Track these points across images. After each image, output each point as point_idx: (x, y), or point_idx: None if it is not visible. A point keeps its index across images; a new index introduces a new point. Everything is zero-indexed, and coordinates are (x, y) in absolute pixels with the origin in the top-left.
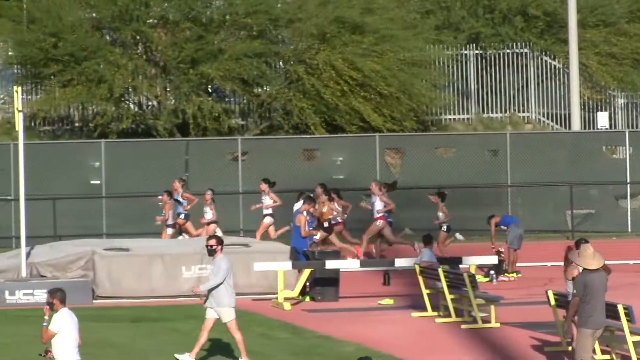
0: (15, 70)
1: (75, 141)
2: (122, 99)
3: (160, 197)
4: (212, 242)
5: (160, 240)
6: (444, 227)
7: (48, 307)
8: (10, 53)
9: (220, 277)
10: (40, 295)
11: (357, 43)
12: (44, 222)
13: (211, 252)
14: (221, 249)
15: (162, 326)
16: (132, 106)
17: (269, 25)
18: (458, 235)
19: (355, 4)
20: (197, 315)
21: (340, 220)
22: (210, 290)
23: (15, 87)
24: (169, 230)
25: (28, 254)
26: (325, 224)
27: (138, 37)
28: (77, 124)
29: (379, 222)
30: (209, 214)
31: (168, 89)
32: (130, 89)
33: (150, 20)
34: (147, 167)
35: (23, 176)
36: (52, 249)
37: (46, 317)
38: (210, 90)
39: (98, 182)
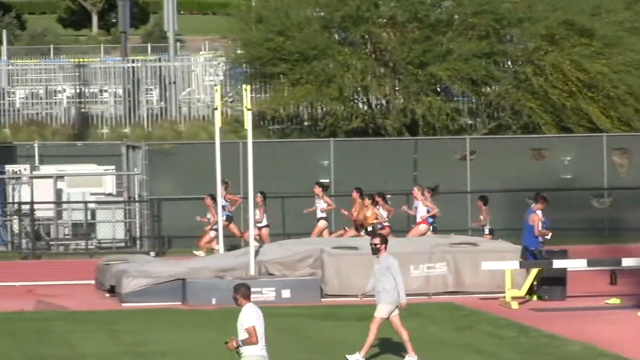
0: (244, 69)
1: (304, 140)
2: (351, 98)
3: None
4: (377, 240)
5: (390, 239)
6: (486, 230)
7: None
8: (238, 52)
9: (399, 274)
10: (269, 294)
11: (585, 45)
12: (272, 221)
13: (376, 251)
14: (385, 248)
15: (388, 324)
16: (361, 105)
17: (496, 25)
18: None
19: (585, 8)
20: (421, 314)
21: (386, 225)
22: (378, 289)
23: (244, 86)
24: (212, 233)
25: (257, 253)
26: (369, 228)
27: (367, 37)
28: (305, 123)
29: (422, 227)
30: (257, 216)
31: (397, 89)
32: (359, 89)
33: (379, 20)
34: (375, 166)
35: (251, 175)
36: (280, 247)
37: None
38: (439, 90)
39: (327, 180)
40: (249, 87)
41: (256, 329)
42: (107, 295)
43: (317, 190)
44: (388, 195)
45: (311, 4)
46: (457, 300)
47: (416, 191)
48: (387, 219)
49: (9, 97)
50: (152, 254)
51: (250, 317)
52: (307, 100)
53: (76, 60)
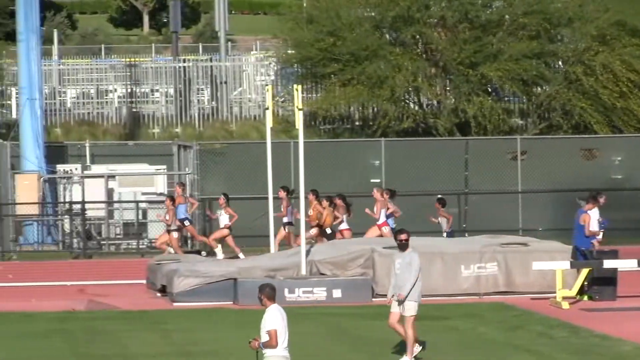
0: (295, 69)
1: (355, 139)
2: (402, 98)
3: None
4: (404, 236)
5: (439, 239)
6: (445, 233)
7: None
8: (289, 52)
9: (417, 271)
10: (320, 293)
11: (636, 46)
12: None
13: (403, 247)
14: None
15: (441, 325)
16: (412, 105)
17: (546, 25)
18: None
19: (637, 9)
20: (472, 314)
21: (346, 228)
22: (400, 284)
23: (295, 86)
24: (175, 234)
25: (308, 252)
26: (328, 230)
27: (418, 37)
28: (357, 123)
29: (385, 228)
30: (224, 217)
31: (448, 89)
32: (410, 89)
33: (430, 21)
34: (426, 166)
35: (303, 174)
36: (332, 247)
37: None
38: (489, 90)
39: (378, 180)
40: (300, 87)
41: (277, 332)
42: (158, 294)
43: (282, 194)
44: (439, 196)
45: (362, 4)
46: (508, 300)
47: (375, 192)
48: (343, 221)
49: (60, 96)
50: (204, 253)
51: (273, 320)
52: (358, 100)
53: (127, 59)
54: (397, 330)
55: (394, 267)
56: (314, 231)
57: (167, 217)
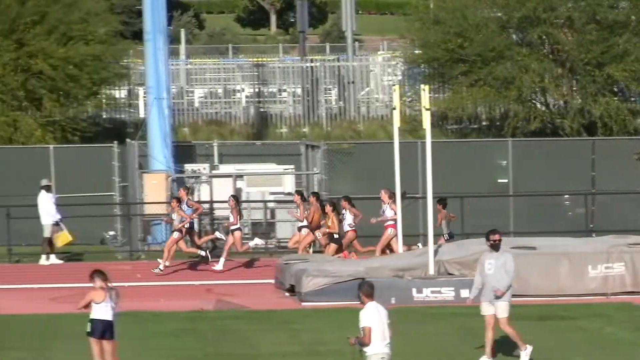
0: (422, 69)
1: (482, 140)
2: (529, 99)
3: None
4: (497, 236)
5: (566, 240)
6: (446, 235)
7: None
8: (416, 52)
9: (512, 272)
10: (448, 293)
11: None
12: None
13: (496, 247)
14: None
15: (567, 325)
16: (539, 106)
17: None
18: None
19: None
20: (600, 314)
21: (352, 229)
22: (493, 284)
23: (422, 86)
24: (175, 235)
25: (436, 252)
26: (336, 236)
27: (544, 38)
28: (484, 123)
29: (390, 230)
30: (230, 218)
31: (574, 89)
32: (537, 90)
33: (556, 21)
34: (553, 166)
35: (430, 174)
36: (459, 247)
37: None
38: (615, 91)
39: (505, 180)
40: (427, 87)
41: (372, 330)
42: (287, 294)
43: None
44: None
45: (488, 4)
46: (636, 301)
47: (383, 194)
48: (354, 223)
49: (188, 96)
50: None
51: (367, 317)
52: (486, 101)
53: (255, 59)
54: (507, 331)
55: (482, 267)
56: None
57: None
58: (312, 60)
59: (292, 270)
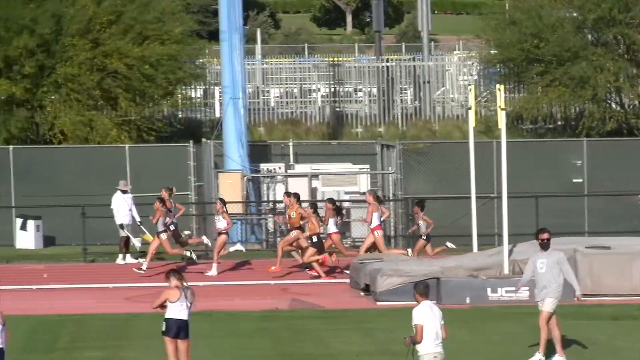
0: (498, 69)
1: (557, 140)
2: (604, 99)
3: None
4: (546, 235)
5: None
6: (424, 236)
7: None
8: (492, 52)
9: (565, 269)
10: (522, 293)
11: None
12: (525, 220)
13: (545, 246)
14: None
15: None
16: (614, 106)
17: None
18: (449, 244)
19: None
20: None
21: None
22: (544, 284)
23: (497, 86)
24: (164, 236)
25: (510, 252)
26: (314, 238)
27: (620, 38)
28: (559, 123)
29: (377, 233)
30: (222, 222)
31: None
32: (612, 90)
33: (632, 22)
34: (628, 166)
35: (505, 174)
36: (533, 246)
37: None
38: None
39: (580, 180)
40: (502, 87)
41: (424, 328)
42: (362, 293)
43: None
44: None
45: (564, 4)
46: None
47: (368, 196)
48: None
49: (264, 95)
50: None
51: (419, 315)
52: (561, 101)
53: (330, 59)
54: (540, 327)
55: (535, 266)
56: (294, 233)
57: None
58: (387, 60)
59: (367, 270)
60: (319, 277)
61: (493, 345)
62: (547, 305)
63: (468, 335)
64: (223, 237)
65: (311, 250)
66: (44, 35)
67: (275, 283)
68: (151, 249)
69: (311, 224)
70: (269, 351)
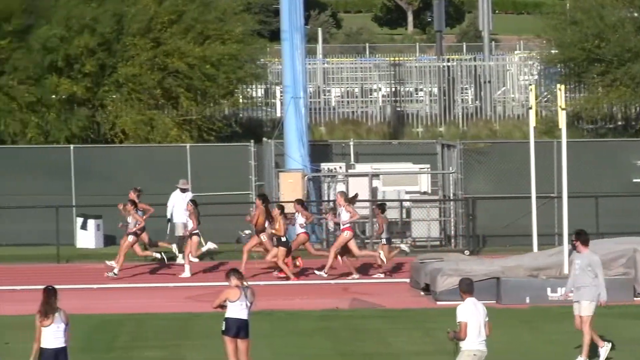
0: (558, 69)
1: (618, 139)
2: None
3: None
4: (574, 238)
5: None
6: (384, 240)
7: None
8: (553, 52)
9: (596, 272)
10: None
11: None
12: (585, 220)
13: (580, 248)
14: (583, 244)
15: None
16: None
17: None
18: (403, 247)
19: None
20: None
21: (303, 231)
22: (576, 284)
23: (558, 86)
24: (130, 238)
25: (570, 252)
26: (283, 239)
27: None
28: (619, 123)
29: (346, 233)
30: (190, 223)
31: None
32: None
33: None
34: None
35: (565, 174)
36: (594, 246)
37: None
38: None
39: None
40: (563, 86)
41: (467, 325)
42: (422, 293)
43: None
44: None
45: (625, 4)
46: None
47: (339, 197)
48: (305, 224)
49: (325, 95)
50: (467, 252)
51: (463, 312)
52: (621, 101)
53: (392, 58)
54: (584, 330)
55: (573, 267)
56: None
57: (129, 220)
58: (448, 60)
59: (427, 269)
60: (287, 278)
61: (553, 345)
62: (585, 309)
63: (528, 335)
64: (195, 238)
65: (282, 250)
66: (105, 35)
67: (336, 282)
68: (122, 251)
69: (279, 225)
70: (329, 350)
